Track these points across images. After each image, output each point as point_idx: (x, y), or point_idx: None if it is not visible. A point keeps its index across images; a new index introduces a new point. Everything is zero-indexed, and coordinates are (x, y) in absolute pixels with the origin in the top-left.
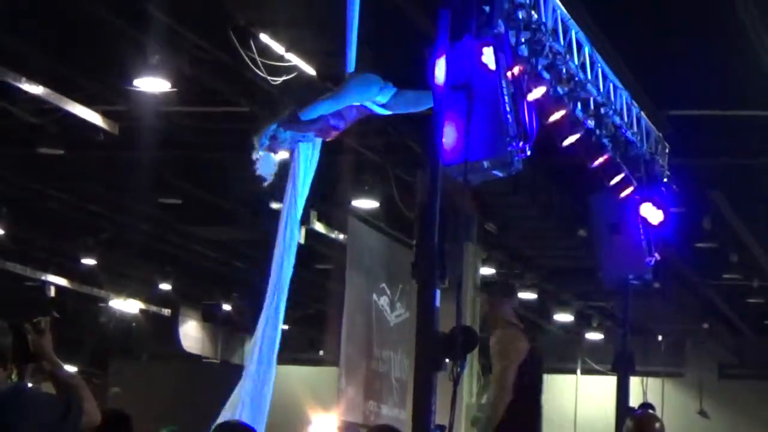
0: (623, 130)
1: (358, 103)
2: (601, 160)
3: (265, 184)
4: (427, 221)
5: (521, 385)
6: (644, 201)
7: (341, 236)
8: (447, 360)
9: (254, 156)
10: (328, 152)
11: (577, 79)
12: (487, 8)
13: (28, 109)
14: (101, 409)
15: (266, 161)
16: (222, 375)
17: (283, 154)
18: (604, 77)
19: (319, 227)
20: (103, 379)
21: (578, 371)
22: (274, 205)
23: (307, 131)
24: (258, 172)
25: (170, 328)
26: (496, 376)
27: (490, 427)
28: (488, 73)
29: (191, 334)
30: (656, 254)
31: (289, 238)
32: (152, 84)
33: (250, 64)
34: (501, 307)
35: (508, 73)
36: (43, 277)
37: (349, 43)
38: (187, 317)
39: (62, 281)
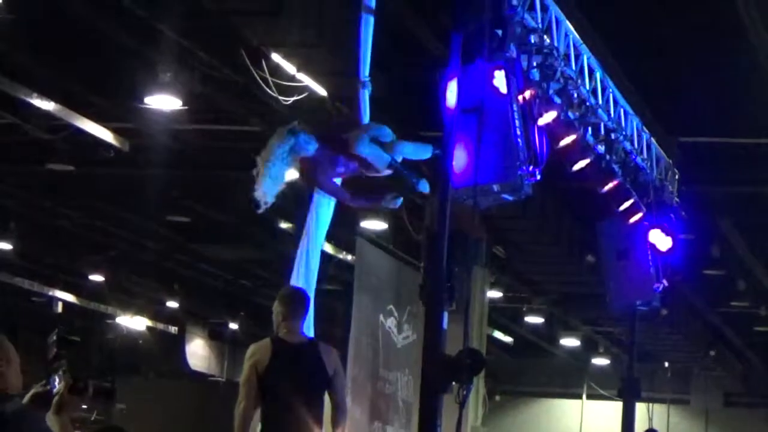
0: (633, 156)
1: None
2: (610, 185)
3: (260, 210)
4: (436, 244)
5: (265, 387)
6: (653, 227)
7: (349, 257)
8: (453, 382)
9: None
10: None
11: (588, 104)
12: (499, 32)
13: (39, 125)
14: (102, 426)
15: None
16: (227, 393)
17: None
18: (615, 103)
19: (327, 248)
20: None
21: (584, 396)
22: (283, 225)
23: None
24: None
25: (177, 345)
26: None
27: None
28: (499, 96)
29: (198, 352)
30: (664, 281)
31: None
32: (163, 102)
33: (261, 83)
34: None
35: (520, 97)
36: (50, 293)
37: (362, 64)
38: (193, 335)
39: (70, 297)
